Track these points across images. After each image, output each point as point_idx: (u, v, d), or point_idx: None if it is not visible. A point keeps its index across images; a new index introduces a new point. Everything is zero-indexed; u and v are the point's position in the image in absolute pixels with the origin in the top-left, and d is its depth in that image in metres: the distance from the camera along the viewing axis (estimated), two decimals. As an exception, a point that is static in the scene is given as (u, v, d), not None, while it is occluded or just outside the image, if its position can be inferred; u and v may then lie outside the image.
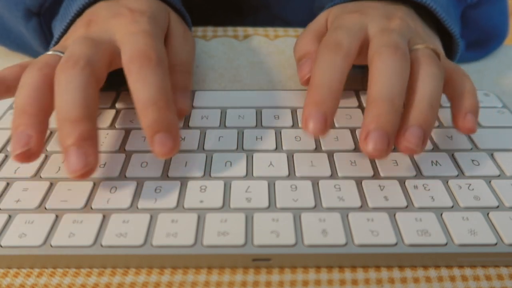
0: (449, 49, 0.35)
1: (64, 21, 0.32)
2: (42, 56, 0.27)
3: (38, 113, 0.24)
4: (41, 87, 0.24)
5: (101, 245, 0.22)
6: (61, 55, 0.27)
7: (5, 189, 0.25)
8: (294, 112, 0.32)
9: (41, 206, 0.24)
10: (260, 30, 0.46)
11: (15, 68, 0.27)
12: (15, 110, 0.24)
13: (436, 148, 0.28)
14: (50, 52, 0.27)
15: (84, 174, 0.22)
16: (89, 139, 0.23)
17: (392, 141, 0.23)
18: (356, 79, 0.36)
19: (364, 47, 0.28)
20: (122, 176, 0.26)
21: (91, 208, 0.24)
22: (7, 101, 0.33)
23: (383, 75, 0.25)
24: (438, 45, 0.33)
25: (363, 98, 0.33)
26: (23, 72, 0.26)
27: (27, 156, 0.23)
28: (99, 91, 0.25)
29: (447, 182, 0.26)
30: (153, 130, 0.23)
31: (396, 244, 0.22)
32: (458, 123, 0.26)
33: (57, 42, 0.32)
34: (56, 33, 0.32)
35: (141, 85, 0.24)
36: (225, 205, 0.24)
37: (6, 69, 0.27)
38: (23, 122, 0.23)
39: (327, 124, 0.24)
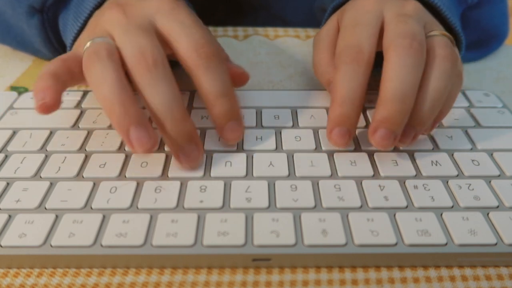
0: None
1: (89, 5, 0.31)
2: (95, 44, 0.26)
3: (136, 107, 0.24)
4: (121, 80, 0.25)
5: (101, 245, 0.22)
6: (110, 41, 0.26)
7: (5, 189, 0.25)
8: (294, 112, 0.32)
9: (41, 206, 0.24)
10: (260, 30, 0.46)
11: (58, 62, 0.26)
12: (106, 108, 0.24)
13: (436, 148, 0.28)
14: (99, 40, 0.26)
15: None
16: (195, 136, 0.26)
17: (398, 136, 0.25)
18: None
19: (380, 34, 0.28)
20: (122, 176, 0.26)
21: (91, 208, 0.24)
22: (7, 101, 0.33)
23: (397, 73, 0.25)
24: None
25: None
26: (74, 64, 0.26)
27: (148, 150, 0.24)
28: None
29: (447, 182, 0.26)
30: (225, 119, 0.26)
31: (396, 244, 0.22)
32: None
33: (81, 28, 0.31)
34: (79, 20, 0.31)
35: (212, 80, 0.26)
36: (225, 205, 0.24)
37: (52, 65, 0.26)
38: (127, 118, 0.24)
39: (350, 137, 0.26)
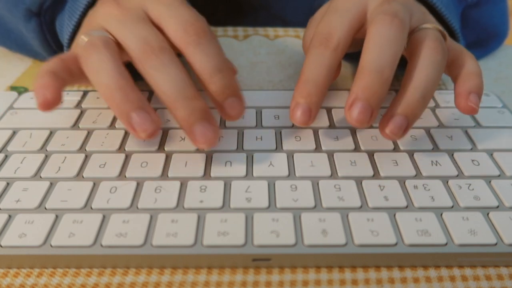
0: None
1: (82, 2, 0.31)
2: (91, 37, 0.26)
3: (136, 92, 0.25)
4: (120, 67, 0.25)
5: (101, 245, 0.22)
6: (106, 34, 0.27)
7: (5, 189, 0.25)
8: (294, 112, 0.32)
9: (41, 206, 0.24)
10: (260, 30, 0.46)
11: (56, 60, 0.26)
12: (106, 95, 0.25)
13: (436, 148, 0.28)
14: (95, 33, 0.26)
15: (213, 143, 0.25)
16: (208, 111, 0.25)
17: (376, 113, 0.25)
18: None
19: (365, 23, 0.28)
20: (122, 176, 0.26)
21: (91, 208, 0.24)
22: (7, 101, 0.33)
23: (375, 45, 0.25)
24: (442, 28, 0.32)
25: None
26: (72, 62, 0.26)
27: (151, 134, 0.24)
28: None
29: (447, 182, 0.26)
30: (224, 96, 0.26)
31: (396, 244, 0.22)
32: (460, 103, 0.26)
33: (76, 27, 0.31)
34: (73, 19, 0.31)
35: (205, 55, 0.25)
36: (225, 205, 0.24)
37: (50, 63, 0.26)
38: (128, 103, 0.24)
39: (311, 115, 0.26)
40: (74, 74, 0.27)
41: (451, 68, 0.28)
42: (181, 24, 0.26)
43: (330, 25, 0.27)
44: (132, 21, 0.26)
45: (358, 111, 0.24)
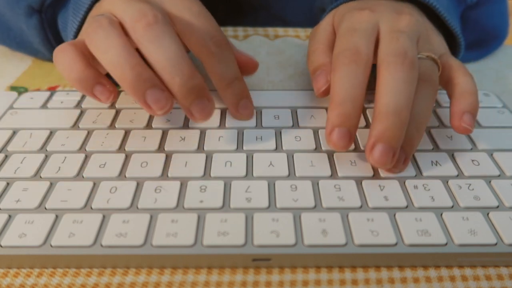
0: (450, 49, 0.35)
1: (87, 1, 0.31)
2: (95, 18, 0.26)
3: (148, 69, 0.25)
4: (127, 45, 0.25)
5: (101, 245, 0.22)
6: (112, 16, 0.26)
7: (5, 189, 0.25)
8: (294, 112, 0.32)
9: (41, 206, 0.24)
10: (260, 30, 0.46)
11: (68, 46, 0.27)
12: (117, 74, 0.25)
13: (436, 148, 0.28)
14: (99, 16, 0.26)
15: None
16: (205, 89, 0.26)
17: (396, 153, 0.24)
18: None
19: (375, 46, 0.28)
20: (122, 176, 0.26)
21: (91, 208, 0.24)
22: (7, 101, 0.33)
23: (390, 88, 0.25)
24: (443, 43, 0.32)
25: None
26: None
27: (168, 111, 0.25)
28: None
29: (447, 182, 0.26)
30: (239, 98, 0.30)
31: (396, 244, 0.22)
32: (455, 122, 0.26)
33: (81, 23, 0.31)
34: (78, 16, 0.31)
35: (226, 66, 0.29)
36: (225, 205, 0.24)
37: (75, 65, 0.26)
38: (141, 82, 0.25)
39: (351, 139, 0.25)
40: (89, 58, 0.27)
41: (447, 86, 0.28)
42: (205, 34, 0.28)
43: (355, 42, 0.27)
44: (136, 0, 0.26)
45: (380, 153, 0.24)
